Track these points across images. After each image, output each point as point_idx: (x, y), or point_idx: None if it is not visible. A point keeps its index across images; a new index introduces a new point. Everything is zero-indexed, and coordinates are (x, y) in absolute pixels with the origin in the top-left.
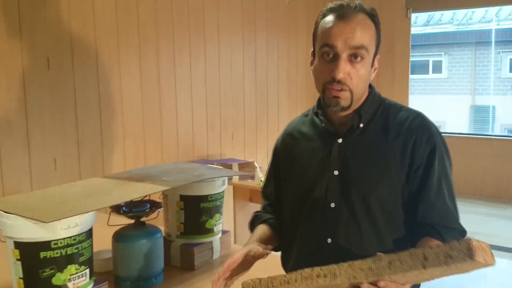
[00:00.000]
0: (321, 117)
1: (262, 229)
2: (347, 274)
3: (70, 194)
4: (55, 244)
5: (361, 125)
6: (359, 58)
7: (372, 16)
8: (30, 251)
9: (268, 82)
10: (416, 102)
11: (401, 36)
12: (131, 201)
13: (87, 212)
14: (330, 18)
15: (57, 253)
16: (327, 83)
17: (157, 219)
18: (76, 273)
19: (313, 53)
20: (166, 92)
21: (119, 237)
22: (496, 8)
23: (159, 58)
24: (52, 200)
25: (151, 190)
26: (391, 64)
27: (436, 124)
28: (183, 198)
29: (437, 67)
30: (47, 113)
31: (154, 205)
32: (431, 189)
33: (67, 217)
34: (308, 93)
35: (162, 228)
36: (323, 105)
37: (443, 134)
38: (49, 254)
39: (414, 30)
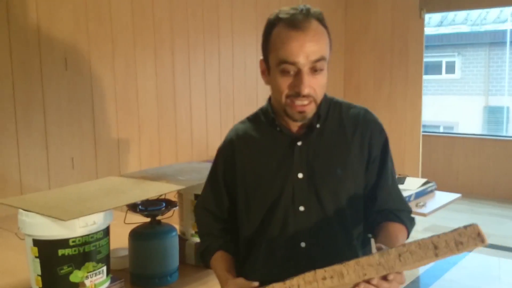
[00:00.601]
0: (277, 122)
1: (224, 259)
2: (356, 271)
3: (88, 192)
4: (73, 241)
5: (318, 125)
6: (319, 70)
7: (322, 20)
8: (48, 249)
9: None
10: (429, 102)
11: (415, 36)
12: (147, 200)
13: (105, 210)
14: (283, 30)
15: (75, 250)
16: (291, 97)
17: (172, 218)
18: (94, 270)
19: (266, 63)
20: (180, 92)
21: (135, 235)
22: (511, 8)
23: (174, 58)
24: (70, 198)
25: (167, 189)
26: (404, 65)
27: (449, 125)
28: (197, 197)
29: (450, 68)
30: (64, 112)
31: (170, 204)
32: (388, 178)
33: (85, 215)
34: None
35: (177, 227)
36: (283, 115)
37: (456, 135)
38: (67, 251)
39: (427, 30)
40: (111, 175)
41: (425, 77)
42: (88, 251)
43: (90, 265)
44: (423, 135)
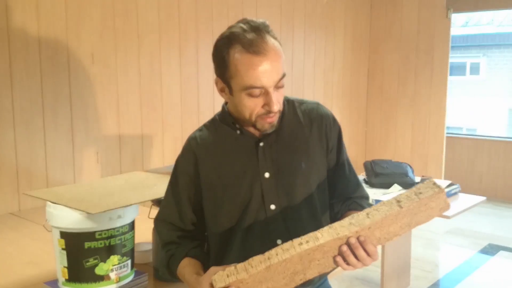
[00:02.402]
0: (237, 125)
1: (192, 264)
2: (329, 233)
3: (114, 186)
4: (99, 234)
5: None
6: (282, 84)
7: (271, 31)
8: (75, 241)
9: (304, 79)
10: (453, 104)
11: (441, 37)
12: None
13: (131, 204)
14: (244, 55)
15: (101, 243)
16: (262, 115)
17: None
18: (119, 263)
19: (225, 84)
20: (204, 88)
21: None
22: None
23: (198, 55)
24: (97, 192)
25: None
26: (429, 65)
27: (473, 127)
28: None
29: (475, 69)
30: (90, 107)
31: None
32: (345, 166)
33: (112, 209)
34: (344, 90)
35: None
36: (247, 124)
37: (480, 137)
38: (93, 244)
39: (452, 30)
40: (134, 170)
41: (449, 78)
42: (113, 244)
43: (115, 258)
44: (446, 137)
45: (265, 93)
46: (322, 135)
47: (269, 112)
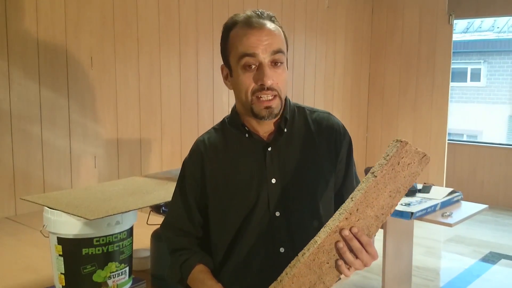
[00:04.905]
0: (246, 128)
1: (208, 271)
2: (324, 232)
3: (113, 192)
4: (97, 241)
5: (285, 129)
6: (279, 63)
7: (275, 21)
8: (72, 247)
9: (304, 84)
10: (453, 110)
11: (442, 42)
12: None
13: (130, 210)
14: (240, 30)
15: (98, 250)
16: (257, 92)
17: None
18: (116, 270)
19: (228, 68)
20: (204, 92)
21: (158, 236)
22: None
23: (198, 59)
24: (95, 198)
25: None
26: (431, 71)
27: (473, 133)
28: None
29: (476, 75)
30: (89, 111)
31: None
32: (353, 178)
33: (110, 215)
34: (345, 96)
35: None
36: (251, 117)
37: (481, 144)
38: (91, 250)
39: (453, 36)
40: (132, 174)
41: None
42: (111, 251)
43: (113, 265)
44: (447, 144)
45: (259, 67)
46: (331, 145)
47: (262, 87)
